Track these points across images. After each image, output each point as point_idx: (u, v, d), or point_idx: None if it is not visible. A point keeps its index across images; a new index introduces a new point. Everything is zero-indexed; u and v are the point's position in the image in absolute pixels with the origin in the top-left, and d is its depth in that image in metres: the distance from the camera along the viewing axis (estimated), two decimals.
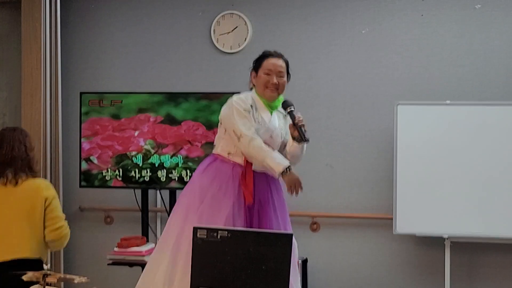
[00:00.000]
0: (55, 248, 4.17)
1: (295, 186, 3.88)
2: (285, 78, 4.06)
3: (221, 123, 4.06)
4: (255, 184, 4.01)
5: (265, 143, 3.93)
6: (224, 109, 4.03)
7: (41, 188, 4.05)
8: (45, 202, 4.05)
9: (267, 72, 4.02)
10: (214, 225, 3.72)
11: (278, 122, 4.05)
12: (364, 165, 5.45)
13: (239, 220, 3.93)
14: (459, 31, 5.31)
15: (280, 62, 4.05)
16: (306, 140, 3.94)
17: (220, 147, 4.06)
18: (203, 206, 3.98)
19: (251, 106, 3.97)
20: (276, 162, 3.85)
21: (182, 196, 4.12)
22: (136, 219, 5.58)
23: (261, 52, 4.13)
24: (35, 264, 3.86)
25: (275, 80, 4.01)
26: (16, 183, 3.97)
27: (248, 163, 3.98)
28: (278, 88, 4.03)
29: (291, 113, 3.99)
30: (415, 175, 5.08)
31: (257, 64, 4.07)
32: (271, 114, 4.05)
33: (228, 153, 4.02)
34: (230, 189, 3.98)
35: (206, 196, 4.00)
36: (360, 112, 5.47)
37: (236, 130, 3.91)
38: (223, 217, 3.89)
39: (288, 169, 3.84)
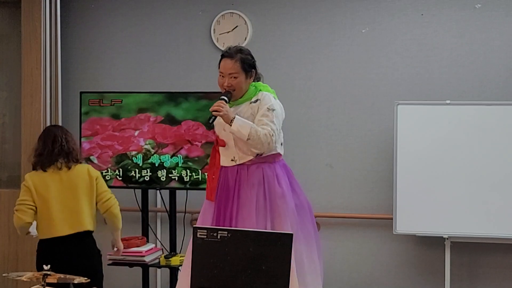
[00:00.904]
0: (112, 220, 4.64)
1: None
2: (240, 78, 4.09)
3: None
4: (228, 178, 4.09)
5: (221, 135, 4.12)
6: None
7: (90, 170, 4.62)
8: (95, 180, 4.59)
9: (220, 73, 4.13)
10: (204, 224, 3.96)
11: (244, 113, 4.08)
12: (364, 165, 5.45)
13: (208, 213, 4.12)
14: (459, 31, 5.31)
15: (231, 64, 4.08)
16: (209, 127, 4.23)
17: None
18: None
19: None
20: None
21: None
22: (136, 219, 5.58)
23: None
24: (91, 235, 4.61)
25: (226, 83, 4.08)
26: (69, 168, 4.54)
27: (213, 157, 4.19)
28: (234, 90, 4.09)
29: (218, 98, 4.08)
30: (415, 175, 5.07)
31: (219, 63, 4.19)
32: (231, 107, 4.11)
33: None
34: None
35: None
36: (360, 112, 5.47)
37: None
38: (201, 211, 4.18)
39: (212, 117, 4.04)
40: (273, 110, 4.06)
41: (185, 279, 3.96)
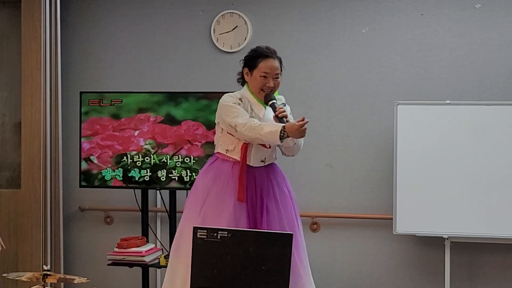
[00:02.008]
0: None
1: (301, 127, 3.85)
2: (280, 78, 4.08)
3: (217, 123, 4.12)
4: (256, 179, 4.03)
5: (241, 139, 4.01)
6: (218, 109, 4.10)
7: None
8: None
9: (263, 74, 4.02)
10: (218, 226, 3.75)
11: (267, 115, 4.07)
12: (364, 165, 5.45)
13: (242, 219, 3.95)
14: (459, 31, 5.31)
15: (277, 64, 4.04)
16: (277, 143, 3.96)
17: (220, 146, 4.13)
18: (205, 207, 4.01)
19: (240, 100, 4.02)
20: (271, 131, 3.87)
21: (187, 200, 4.17)
22: (136, 219, 5.58)
23: (252, 49, 4.12)
24: None
25: (271, 84, 4.02)
26: None
27: (242, 157, 4.02)
28: (273, 90, 4.06)
29: (272, 105, 4.00)
30: (415, 175, 5.07)
31: (252, 63, 4.06)
32: (265, 108, 4.08)
33: (226, 150, 4.07)
34: (231, 187, 4.02)
35: (209, 196, 4.02)
36: (360, 112, 5.47)
37: (231, 123, 3.97)
38: (226, 218, 3.92)
39: (283, 131, 3.84)
40: (291, 113, 4.15)
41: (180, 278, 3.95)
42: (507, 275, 5.23)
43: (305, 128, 3.86)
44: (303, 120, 3.85)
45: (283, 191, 4.14)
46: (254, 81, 4.04)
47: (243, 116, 3.96)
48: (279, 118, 3.93)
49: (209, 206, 4.02)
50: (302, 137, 3.93)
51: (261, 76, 4.02)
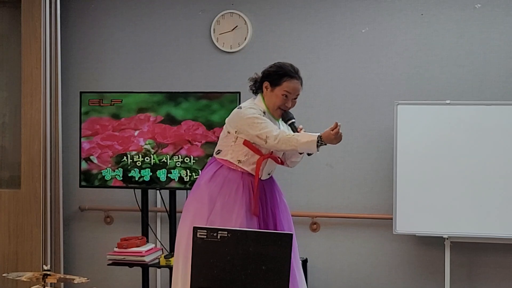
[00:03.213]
0: None
1: (336, 134, 3.89)
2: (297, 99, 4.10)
3: (229, 132, 4.05)
4: (266, 191, 4.06)
5: (276, 152, 4.04)
6: (237, 120, 4.02)
7: None
8: None
9: (285, 93, 4.02)
10: None
11: (282, 128, 4.10)
12: (364, 165, 5.45)
13: (253, 228, 3.94)
14: (459, 31, 5.31)
15: (300, 86, 4.06)
16: (313, 152, 3.97)
17: (229, 154, 4.06)
18: (213, 215, 3.98)
19: (264, 112, 4.02)
20: (308, 141, 3.88)
21: (189, 204, 4.12)
22: (136, 219, 5.58)
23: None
24: None
25: (289, 104, 4.04)
26: None
27: (257, 171, 4.02)
28: (288, 109, 4.08)
29: (292, 125, 4.02)
30: (415, 175, 5.07)
31: (277, 80, 4.04)
32: (278, 122, 4.11)
33: (238, 161, 4.04)
34: (240, 198, 4.00)
35: (216, 205, 4.00)
36: (360, 112, 5.47)
37: (260, 135, 3.93)
38: (236, 227, 3.89)
39: (320, 139, 3.89)
40: None
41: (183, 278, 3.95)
42: (507, 275, 5.23)
43: (341, 134, 3.90)
44: (336, 126, 3.88)
45: (282, 199, 4.20)
46: (274, 98, 4.03)
47: (272, 128, 3.94)
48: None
49: (216, 215, 3.98)
50: (339, 141, 3.95)
51: (282, 95, 4.02)
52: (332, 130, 3.88)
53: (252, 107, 4.02)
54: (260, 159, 4.01)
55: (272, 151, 4.03)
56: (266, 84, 4.05)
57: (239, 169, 4.03)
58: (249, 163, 4.02)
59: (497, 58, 5.24)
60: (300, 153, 4.08)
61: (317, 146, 3.88)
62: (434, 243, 5.23)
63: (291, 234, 3.28)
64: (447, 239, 5.07)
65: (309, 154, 4.05)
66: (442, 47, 5.33)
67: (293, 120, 4.03)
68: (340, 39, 5.51)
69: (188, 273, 3.72)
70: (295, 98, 4.06)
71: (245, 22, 5.64)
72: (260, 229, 3.95)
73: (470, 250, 5.24)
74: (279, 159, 4.11)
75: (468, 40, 5.29)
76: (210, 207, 4.00)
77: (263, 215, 4.04)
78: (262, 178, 4.05)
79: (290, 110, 4.10)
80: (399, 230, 5.11)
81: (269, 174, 4.13)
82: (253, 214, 3.98)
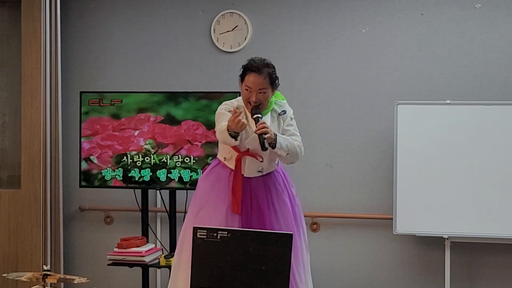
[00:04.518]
0: None
1: (233, 120, 3.80)
2: (267, 92, 4.01)
3: None
4: (251, 189, 4.03)
5: (255, 150, 3.98)
6: None
7: None
8: None
9: (247, 88, 4.00)
10: None
11: (270, 123, 4.03)
12: (364, 165, 5.45)
13: (234, 226, 3.94)
14: (459, 31, 5.31)
15: (261, 79, 3.97)
16: (265, 149, 3.89)
17: (219, 152, 4.16)
18: (202, 212, 4.03)
19: (237, 108, 3.98)
20: (221, 131, 3.90)
21: (191, 201, 4.22)
22: (136, 219, 5.58)
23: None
24: None
25: (254, 98, 3.98)
26: None
27: (237, 169, 4.02)
28: (263, 104, 4.01)
29: (255, 120, 3.95)
30: (415, 175, 5.07)
31: (242, 74, 4.05)
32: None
33: (224, 158, 4.09)
34: (225, 196, 4.03)
35: (207, 201, 4.04)
36: (360, 112, 5.47)
37: (216, 129, 4.04)
38: (217, 224, 3.89)
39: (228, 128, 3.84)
40: (293, 118, 4.13)
41: (181, 277, 3.96)
42: (507, 275, 5.23)
43: (238, 120, 3.78)
44: (235, 112, 3.82)
45: (282, 199, 4.10)
46: (242, 93, 4.07)
47: (222, 122, 3.94)
48: (259, 135, 3.87)
49: (204, 211, 4.03)
50: (242, 128, 3.84)
51: (245, 89, 4.00)
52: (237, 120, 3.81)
53: (225, 103, 4.09)
54: (237, 156, 4.02)
55: (248, 148, 4.02)
56: (239, 80, 4.10)
57: (227, 167, 4.06)
58: (232, 161, 4.05)
59: (497, 58, 5.24)
60: (272, 148, 3.95)
61: (232, 136, 3.84)
62: (434, 243, 5.23)
63: (291, 234, 3.29)
64: (447, 239, 5.07)
65: (272, 147, 3.93)
66: (442, 47, 5.33)
67: (257, 116, 3.95)
68: (340, 39, 5.51)
69: (183, 267, 3.76)
70: (261, 92, 3.97)
71: (245, 22, 5.64)
72: (242, 227, 3.93)
73: (470, 250, 5.24)
74: (259, 158, 4.03)
75: (468, 40, 5.29)
76: (201, 203, 4.06)
77: (246, 214, 4.00)
78: (248, 176, 4.04)
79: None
80: (399, 230, 5.11)
81: (259, 171, 4.07)
82: (233, 212, 3.98)
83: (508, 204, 4.93)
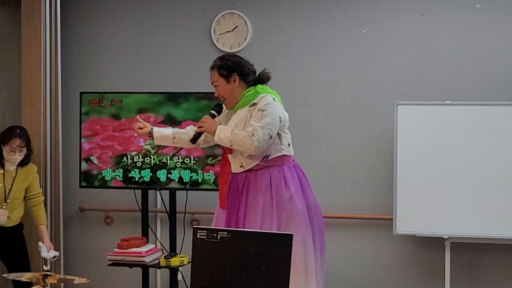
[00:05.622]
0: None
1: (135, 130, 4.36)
2: (220, 84, 4.10)
3: None
4: (238, 186, 4.08)
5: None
6: None
7: None
8: None
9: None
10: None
11: (242, 117, 4.05)
12: (364, 165, 5.45)
13: (219, 225, 4.06)
14: (459, 31, 5.31)
15: (211, 74, 4.14)
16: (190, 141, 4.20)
17: None
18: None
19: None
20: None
21: None
22: (136, 219, 5.58)
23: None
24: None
25: (216, 94, 4.16)
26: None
27: (222, 165, 4.16)
28: (224, 98, 4.13)
29: (212, 117, 4.16)
30: (415, 175, 5.07)
31: None
32: (233, 114, 4.14)
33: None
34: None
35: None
36: (360, 112, 5.47)
37: None
38: (213, 221, 4.17)
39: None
40: (263, 110, 3.96)
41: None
42: (507, 275, 5.23)
43: (136, 129, 4.36)
44: (136, 120, 4.38)
45: (255, 200, 4.02)
46: None
47: None
48: (196, 133, 4.16)
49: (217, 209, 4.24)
50: (143, 137, 4.47)
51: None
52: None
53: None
54: (223, 153, 4.17)
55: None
56: None
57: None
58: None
59: (497, 58, 5.24)
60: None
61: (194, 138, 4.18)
62: (434, 243, 5.22)
63: (291, 235, 3.28)
64: (447, 239, 5.07)
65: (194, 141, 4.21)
66: (442, 47, 5.33)
67: (211, 111, 4.18)
68: (340, 39, 5.51)
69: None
70: (216, 86, 4.13)
71: (245, 22, 5.64)
72: (226, 223, 4.05)
73: (470, 250, 5.24)
74: (228, 151, 4.12)
75: (468, 40, 5.29)
76: None
77: (229, 212, 4.08)
78: (234, 172, 4.11)
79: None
80: (399, 231, 5.11)
81: (241, 166, 4.07)
82: (220, 207, 4.14)
83: (508, 204, 4.93)
